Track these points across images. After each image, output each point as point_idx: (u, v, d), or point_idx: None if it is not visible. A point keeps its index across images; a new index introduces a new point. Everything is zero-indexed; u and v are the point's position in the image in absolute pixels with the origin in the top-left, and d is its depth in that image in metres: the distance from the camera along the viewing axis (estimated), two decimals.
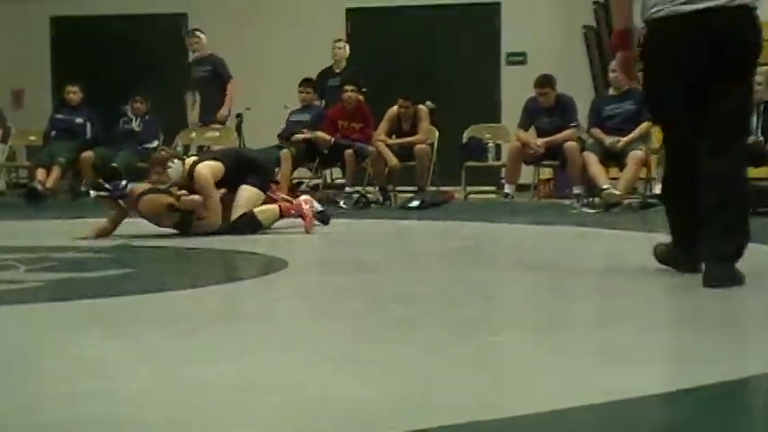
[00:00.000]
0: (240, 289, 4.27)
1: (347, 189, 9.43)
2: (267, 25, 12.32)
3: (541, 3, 11.79)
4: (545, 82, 9.05)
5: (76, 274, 4.60)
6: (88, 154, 10.30)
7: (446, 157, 9.80)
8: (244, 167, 6.47)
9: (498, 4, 11.98)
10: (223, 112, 10.68)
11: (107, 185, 6.15)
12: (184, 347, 2.90)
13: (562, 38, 11.51)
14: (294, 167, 10.03)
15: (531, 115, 9.17)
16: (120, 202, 6.09)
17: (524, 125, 9.19)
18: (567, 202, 8.88)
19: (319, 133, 9.83)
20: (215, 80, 10.72)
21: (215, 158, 6.46)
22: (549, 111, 9.07)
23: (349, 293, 3.93)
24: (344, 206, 8.83)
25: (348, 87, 9.77)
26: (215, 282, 4.51)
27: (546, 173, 10.22)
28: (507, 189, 9.15)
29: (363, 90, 10.15)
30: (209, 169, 6.24)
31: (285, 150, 9.92)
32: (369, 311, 3.52)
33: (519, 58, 11.91)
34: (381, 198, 9.35)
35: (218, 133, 11.09)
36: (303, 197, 6.63)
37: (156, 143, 10.74)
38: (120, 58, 12.71)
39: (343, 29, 12.12)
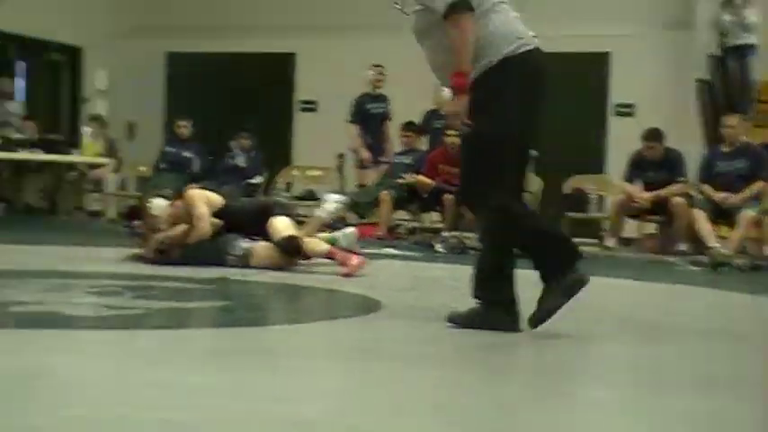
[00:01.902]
0: (335, 328, 4.28)
1: (444, 234, 9.41)
2: (363, 67, 12.44)
3: (653, 54, 11.64)
4: (653, 136, 8.91)
5: (178, 304, 4.69)
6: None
7: (547, 206, 9.69)
8: (242, 213, 6.60)
9: (607, 53, 11.88)
10: (391, 149, 10.67)
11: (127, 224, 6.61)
12: (278, 383, 2.91)
13: (673, 90, 11.33)
14: (394, 210, 10.08)
15: (638, 168, 9.02)
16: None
17: (630, 178, 9.05)
18: (672, 258, 8.68)
19: (421, 177, 9.85)
20: (385, 119, 10.75)
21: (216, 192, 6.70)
22: (656, 164, 8.92)
23: (442, 340, 3.90)
24: (441, 250, 8.80)
25: (450, 132, 9.77)
26: (310, 319, 4.54)
27: (651, 227, 10.02)
28: (609, 242, 9.00)
29: None
30: (202, 193, 6.52)
31: (385, 192, 9.99)
32: (460, 359, 3.48)
33: (627, 110, 11.76)
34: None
35: (320, 172, 11.24)
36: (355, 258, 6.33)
37: (259, 179, 10.94)
38: (229, 95, 12.99)
39: None
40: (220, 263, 6.25)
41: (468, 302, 4.10)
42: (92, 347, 3.54)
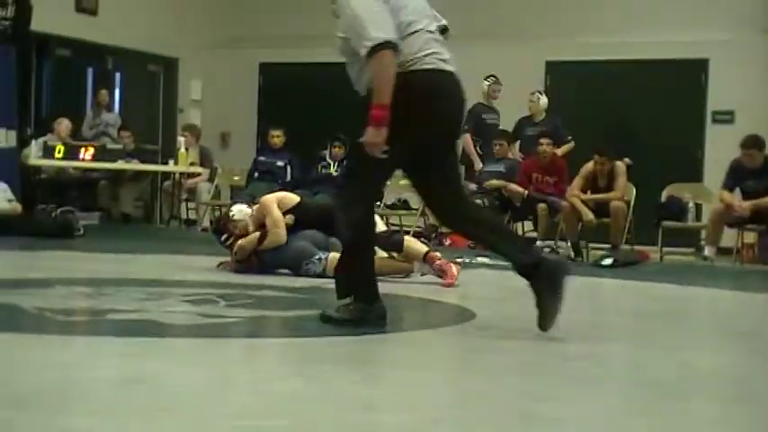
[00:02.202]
0: (427, 338, 4.25)
1: (538, 243, 9.31)
2: (465, 74, 12.37)
3: (752, 60, 11.35)
4: (752, 143, 8.69)
5: (271, 312, 4.71)
6: None
7: (642, 215, 9.52)
8: (319, 209, 6.54)
9: (706, 60, 11.62)
10: None
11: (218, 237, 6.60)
12: (367, 392, 2.90)
13: None
14: None
15: (737, 177, 8.80)
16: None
17: (729, 186, 8.83)
18: None
19: (513, 186, 9.78)
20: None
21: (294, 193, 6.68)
22: (755, 173, 8.69)
23: (535, 350, 3.84)
24: None
25: (543, 141, 9.69)
26: (403, 329, 4.51)
27: (750, 237, 9.76)
28: (707, 252, 8.80)
29: (569, 139, 10.12)
30: (273, 196, 6.51)
31: (477, 201, 9.93)
32: (554, 369, 3.42)
33: (726, 117, 11.48)
34: (573, 254, 9.16)
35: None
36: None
37: None
38: (321, 104, 13.08)
39: (543, 81, 12.06)
40: (297, 271, 6.27)
41: (563, 310, 4.03)
42: (187, 355, 3.58)
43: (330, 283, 5.90)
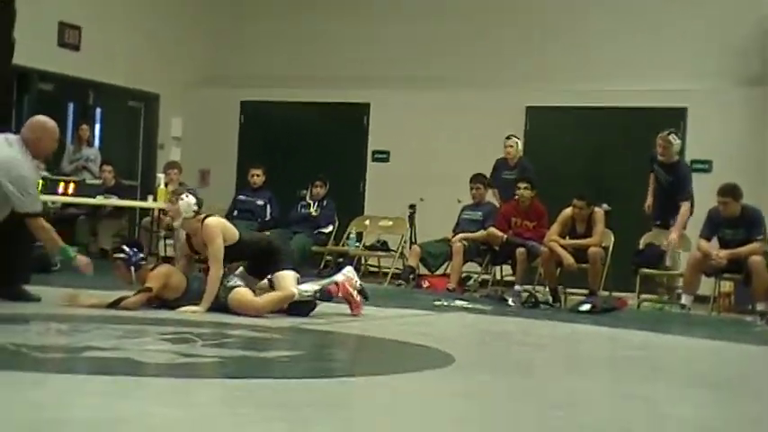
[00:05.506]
0: (404, 382, 4.21)
1: (516, 287, 9.32)
2: (447, 118, 12.48)
3: (731, 110, 11.47)
4: (728, 191, 8.72)
5: (249, 353, 4.68)
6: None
7: (620, 261, 9.54)
8: (263, 250, 6.49)
9: (685, 109, 11.73)
10: None
11: (127, 249, 6.48)
12: None
13: (751, 147, 11.15)
14: (465, 261, 10.01)
15: (714, 225, 8.85)
16: (132, 270, 6.40)
17: (706, 235, 8.87)
18: (749, 318, 8.47)
19: (492, 230, 9.79)
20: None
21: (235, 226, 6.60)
22: (732, 222, 8.74)
23: (514, 397, 3.83)
24: (513, 304, 8.71)
25: (522, 185, 9.72)
26: (380, 372, 4.48)
27: (727, 286, 9.79)
28: (684, 300, 8.81)
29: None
30: (219, 223, 6.41)
31: (457, 244, 9.94)
32: (532, 418, 3.41)
33: (704, 166, 11.57)
34: (551, 299, 9.17)
35: (391, 222, 11.23)
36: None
37: (330, 228, 10.95)
38: (302, 144, 13.10)
39: (522, 126, 12.13)
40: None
41: (541, 356, 4.03)
42: (166, 395, 3.53)
43: (308, 323, 5.91)
